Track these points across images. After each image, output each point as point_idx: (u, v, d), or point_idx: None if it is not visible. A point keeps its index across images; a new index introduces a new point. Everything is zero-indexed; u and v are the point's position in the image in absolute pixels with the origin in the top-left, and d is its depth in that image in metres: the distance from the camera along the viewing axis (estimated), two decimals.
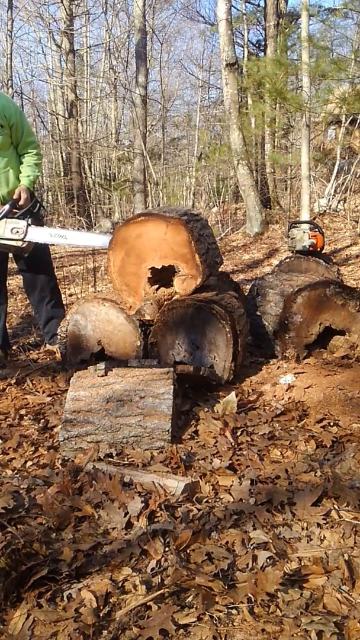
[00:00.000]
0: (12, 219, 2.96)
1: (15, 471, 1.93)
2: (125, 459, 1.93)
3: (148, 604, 1.25)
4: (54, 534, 1.52)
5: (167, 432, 1.97)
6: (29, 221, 2.97)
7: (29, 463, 1.99)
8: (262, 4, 12.63)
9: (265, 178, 10.99)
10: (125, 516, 1.59)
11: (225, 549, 1.43)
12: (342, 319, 2.82)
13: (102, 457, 1.94)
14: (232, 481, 1.76)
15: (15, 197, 3.03)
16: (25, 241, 2.97)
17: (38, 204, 3.14)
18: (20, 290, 5.50)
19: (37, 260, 3.20)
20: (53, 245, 3.30)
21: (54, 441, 2.14)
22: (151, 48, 16.35)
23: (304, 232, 4.14)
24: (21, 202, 3.03)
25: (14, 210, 3.00)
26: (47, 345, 3.38)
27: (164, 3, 18.40)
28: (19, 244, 2.97)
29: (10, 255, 3.30)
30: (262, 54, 12.53)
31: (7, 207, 2.97)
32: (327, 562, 1.39)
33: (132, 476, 1.78)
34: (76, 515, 1.61)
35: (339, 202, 9.44)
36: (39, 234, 2.98)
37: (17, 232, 2.93)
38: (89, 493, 1.72)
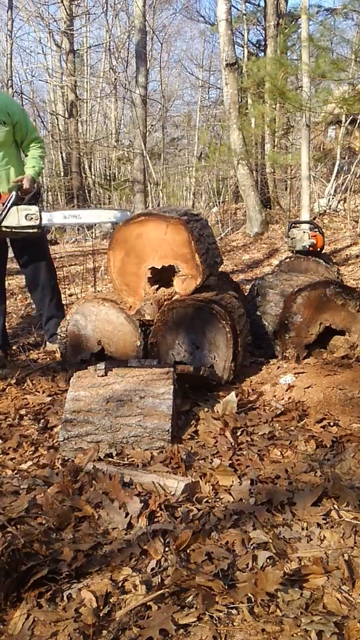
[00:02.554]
0: (22, 205, 2.96)
1: (15, 471, 1.93)
2: (125, 459, 1.93)
3: (148, 604, 1.25)
4: (54, 534, 1.52)
5: (167, 432, 1.97)
6: (40, 205, 2.98)
7: (29, 463, 1.99)
8: (262, 4, 12.62)
9: (265, 178, 10.99)
10: (125, 516, 1.59)
11: (225, 549, 1.43)
12: (342, 319, 2.82)
13: (102, 457, 1.94)
14: (232, 481, 1.76)
15: (14, 181, 3.03)
16: (41, 226, 2.98)
17: (39, 195, 3.16)
18: (20, 290, 5.50)
19: (37, 258, 3.21)
20: (67, 226, 3.33)
21: (54, 441, 2.14)
22: (151, 48, 16.35)
23: (304, 232, 4.13)
24: (25, 187, 3.03)
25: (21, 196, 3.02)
26: (47, 344, 3.39)
27: (164, 3, 18.40)
28: (35, 230, 2.98)
29: (11, 254, 3.31)
30: (262, 54, 12.53)
31: (13, 194, 2.95)
32: (327, 562, 1.39)
33: (132, 476, 1.78)
34: (76, 515, 1.61)
35: (339, 202, 9.44)
36: (53, 217, 3.00)
37: (32, 218, 2.94)
38: (89, 493, 1.72)
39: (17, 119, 3.05)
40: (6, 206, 2.91)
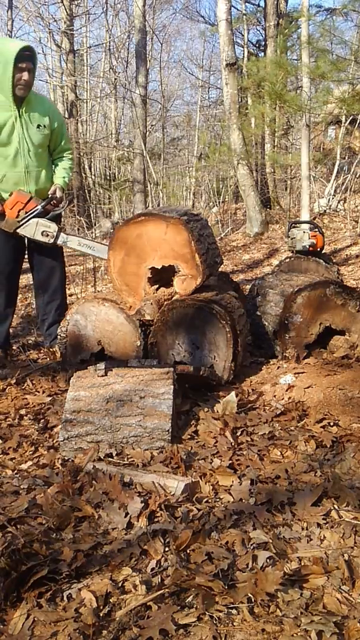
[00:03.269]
0: (44, 220, 3.03)
1: (15, 471, 1.93)
2: (125, 459, 1.93)
3: (148, 604, 1.25)
4: (54, 534, 1.52)
5: (167, 432, 1.97)
6: (61, 225, 3.07)
7: (29, 463, 1.99)
8: (262, 4, 12.62)
9: (265, 178, 11.00)
10: (125, 516, 1.59)
11: (225, 549, 1.43)
12: (342, 319, 2.82)
13: (102, 457, 1.94)
14: (232, 481, 1.76)
15: (51, 193, 3.11)
16: (54, 244, 3.07)
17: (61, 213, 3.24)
18: (20, 290, 5.49)
19: (52, 262, 3.24)
20: (77, 252, 3.36)
21: (54, 441, 2.14)
22: (151, 48, 16.36)
23: (304, 232, 4.13)
24: (58, 195, 3.12)
25: (48, 207, 3.08)
26: (49, 344, 3.39)
27: (164, 3, 18.41)
28: (47, 244, 3.07)
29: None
30: (262, 54, 12.53)
31: (39, 207, 3.03)
32: (327, 562, 1.39)
33: (132, 476, 1.78)
34: (76, 515, 1.61)
35: (339, 202, 9.45)
36: (69, 241, 3.08)
37: (47, 235, 3.03)
38: (89, 493, 1.72)
39: (56, 126, 3.13)
40: (28, 216, 2.99)
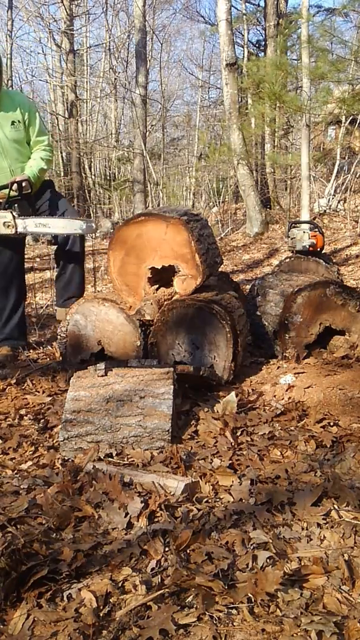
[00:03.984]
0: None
1: (15, 471, 1.93)
2: (125, 459, 1.93)
3: (148, 604, 1.25)
4: (54, 534, 1.52)
5: (167, 432, 1.97)
6: (15, 213, 2.95)
7: (29, 463, 1.99)
8: (262, 4, 12.63)
9: (265, 178, 11.00)
10: (125, 516, 1.58)
11: (225, 549, 1.43)
12: (342, 319, 2.82)
13: (102, 457, 1.94)
14: (232, 481, 1.76)
15: (10, 180, 3.01)
16: (17, 233, 2.97)
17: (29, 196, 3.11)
18: None
19: (74, 262, 3.26)
20: (40, 234, 3.29)
21: (54, 441, 2.14)
22: (151, 48, 16.37)
23: (304, 232, 4.13)
24: (18, 184, 3.00)
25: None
26: (57, 310, 3.39)
27: (164, 3, 18.43)
28: (13, 234, 2.99)
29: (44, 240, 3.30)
30: (262, 54, 12.54)
31: None
32: (327, 562, 1.39)
33: (132, 476, 1.78)
34: (76, 515, 1.61)
35: (339, 202, 9.45)
36: (27, 225, 2.97)
37: (9, 225, 2.93)
38: (89, 493, 1.72)
39: (27, 118, 3.11)
40: None
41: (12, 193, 2.98)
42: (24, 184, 3.00)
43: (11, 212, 2.95)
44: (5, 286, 3.18)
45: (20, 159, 3.11)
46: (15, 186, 2.98)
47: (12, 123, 3.04)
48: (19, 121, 3.06)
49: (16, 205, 3.02)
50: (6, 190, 2.99)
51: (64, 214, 3.19)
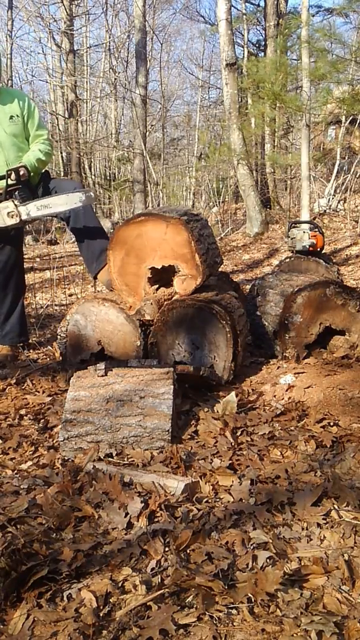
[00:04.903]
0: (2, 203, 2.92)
1: (15, 471, 1.93)
2: (125, 459, 1.93)
3: (148, 604, 1.25)
4: (54, 534, 1.52)
5: (167, 432, 1.97)
6: (16, 201, 2.93)
7: (29, 463, 1.99)
8: (262, 4, 12.63)
9: (265, 178, 11.01)
10: (125, 516, 1.58)
11: (225, 549, 1.43)
12: (342, 319, 2.82)
13: (102, 457, 1.94)
14: (232, 481, 1.76)
15: (9, 172, 2.98)
16: (22, 221, 2.95)
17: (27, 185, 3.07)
18: None
19: (90, 229, 3.19)
20: (44, 217, 3.24)
21: (54, 441, 2.14)
22: (151, 48, 16.38)
23: (304, 232, 4.14)
24: (21, 173, 2.96)
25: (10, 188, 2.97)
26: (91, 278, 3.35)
27: (164, 3, 18.45)
28: (18, 223, 2.97)
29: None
30: (262, 54, 12.54)
31: None
32: (327, 562, 1.39)
33: (132, 476, 1.78)
34: (76, 515, 1.61)
35: (339, 202, 9.45)
36: (30, 210, 2.95)
37: (13, 215, 2.90)
38: (89, 493, 1.72)
39: (26, 113, 3.11)
40: None
41: (10, 182, 2.96)
42: (21, 172, 2.96)
43: (12, 201, 2.92)
44: (3, 282, 3.18)
45: (19, 154, 3.10)
46: (13, 175, 2.95)
47: (11, 117, 3.05)
48: (17, 115, 3.07)
49: (17, 193, 2.99)
50: (4, 181, 2.97)
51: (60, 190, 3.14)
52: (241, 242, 9.05)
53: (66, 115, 15.17)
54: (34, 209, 2.94)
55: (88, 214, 3.20)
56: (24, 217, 2.93)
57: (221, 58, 8.83)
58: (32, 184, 3.12)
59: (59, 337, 2.83)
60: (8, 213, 2.90)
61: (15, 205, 2.91)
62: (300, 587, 1.29)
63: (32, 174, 3.05)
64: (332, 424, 2.16)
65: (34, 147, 3.17)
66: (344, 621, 1.19)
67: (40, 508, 1.64)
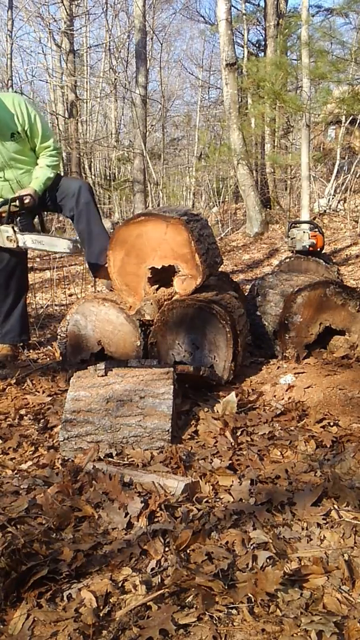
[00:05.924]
0: (2, 226, 2.93)
1: (15, 471, 1.93)
2: (125, 459, 1.93)
3: (148, 604, 1.25)
4: (54, 534, 1.52)
5: (167, 432, 1.97)
6: (16, 227, 2.94)
7: (29, 463, 1.99)
8: (262, 4, 12.63)
9: (265, 178, 11.01)
10: (125, 516, 1.58)
11: (225, 549, 1.43)
12: (342, 319, 2.82)
13: (102, 457, 1.94)
14: (232, 481, 1.76)
15: (17, 197, 2.99)
16: (18, 247, 2.96)
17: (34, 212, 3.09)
18: None
19: (89, 219, 3.17)
20: (35, 249, 3.28)
21: (54, 441, 2.14)
22: (151, 48, 16.38)
23: (304, 232, 4.14)
24: (25, 201, 2.99)
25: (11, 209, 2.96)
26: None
27: (164, 3, 18.45)
28: (15, 248, 2.98)
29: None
30: (262, 54, 12.54)
31: None
32: (327, 562, 1.39)
33: (132, 476, 1.78)
34: (76, 515, 1.61)
35: (339, 202, 9.45)
36: (26, 240, 2.96)
37: (11, 240, 2.92)
38: (89, 493, 1.72)
39: (28, 127, 3.00)
40: None
41: (13, 209, 2.98)
42: (25, 200, 2.99)
43: (12, 227, 2.94)
44: (5, 281, 3.18)
45: (25, 168, 3.07)
46: (17, 202, 2.98)
47: (12, 135, 2.96)
48: (17, 132, 2.97)
49: (18, 219, 3.01)
50: (6, 207, 2.98)
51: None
52: (241, 242, 9.06)
53: (66, 115, 15.18)
54: (29, 240, 2.96)
55: (91, 214, 3.20)
56: (20, 244, 2.95)
57: (221, 58, 8.83)
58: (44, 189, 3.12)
59: (59, 337, 2.83)
60: (7, 237, 2.93)
61: (14, 231, 2.94)
62: (300, 587, 1.29)
63: (39, 196, 3.07)
64: (332, 424, 2.16)
65: (42, 162, 3.12)
66: (344, 621, 1.19)
67: (40, 508, 1.64)
